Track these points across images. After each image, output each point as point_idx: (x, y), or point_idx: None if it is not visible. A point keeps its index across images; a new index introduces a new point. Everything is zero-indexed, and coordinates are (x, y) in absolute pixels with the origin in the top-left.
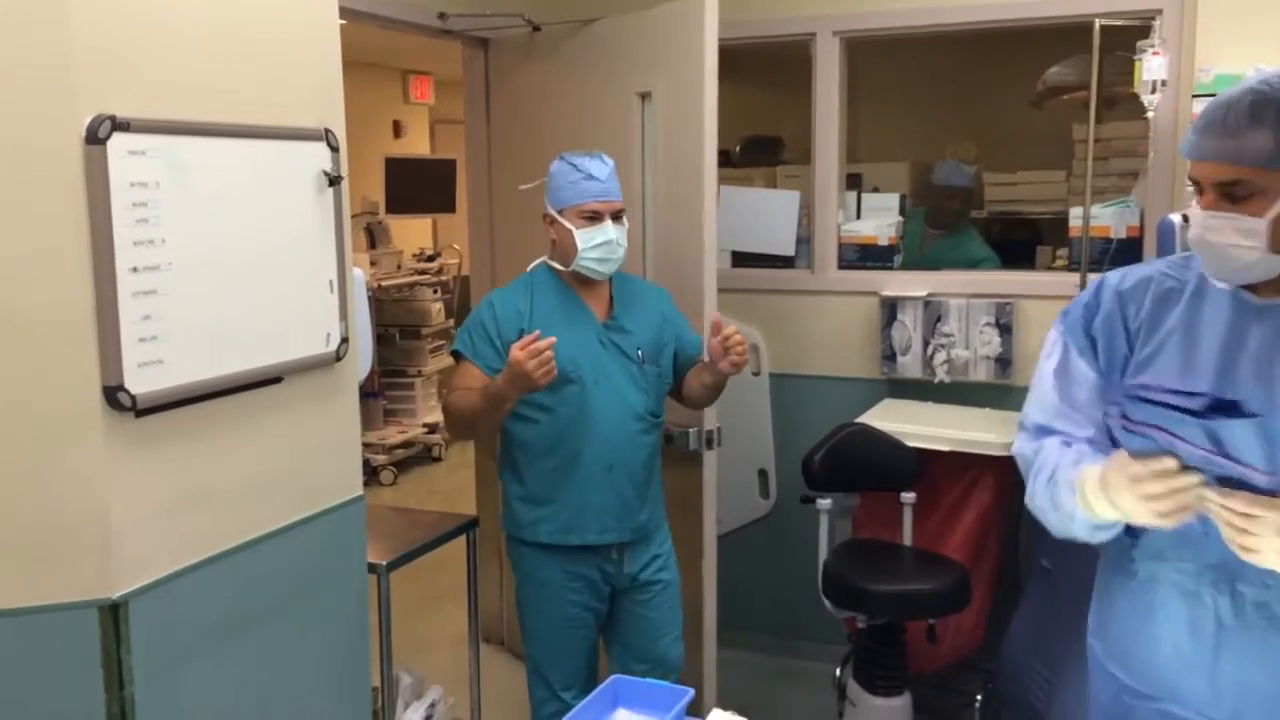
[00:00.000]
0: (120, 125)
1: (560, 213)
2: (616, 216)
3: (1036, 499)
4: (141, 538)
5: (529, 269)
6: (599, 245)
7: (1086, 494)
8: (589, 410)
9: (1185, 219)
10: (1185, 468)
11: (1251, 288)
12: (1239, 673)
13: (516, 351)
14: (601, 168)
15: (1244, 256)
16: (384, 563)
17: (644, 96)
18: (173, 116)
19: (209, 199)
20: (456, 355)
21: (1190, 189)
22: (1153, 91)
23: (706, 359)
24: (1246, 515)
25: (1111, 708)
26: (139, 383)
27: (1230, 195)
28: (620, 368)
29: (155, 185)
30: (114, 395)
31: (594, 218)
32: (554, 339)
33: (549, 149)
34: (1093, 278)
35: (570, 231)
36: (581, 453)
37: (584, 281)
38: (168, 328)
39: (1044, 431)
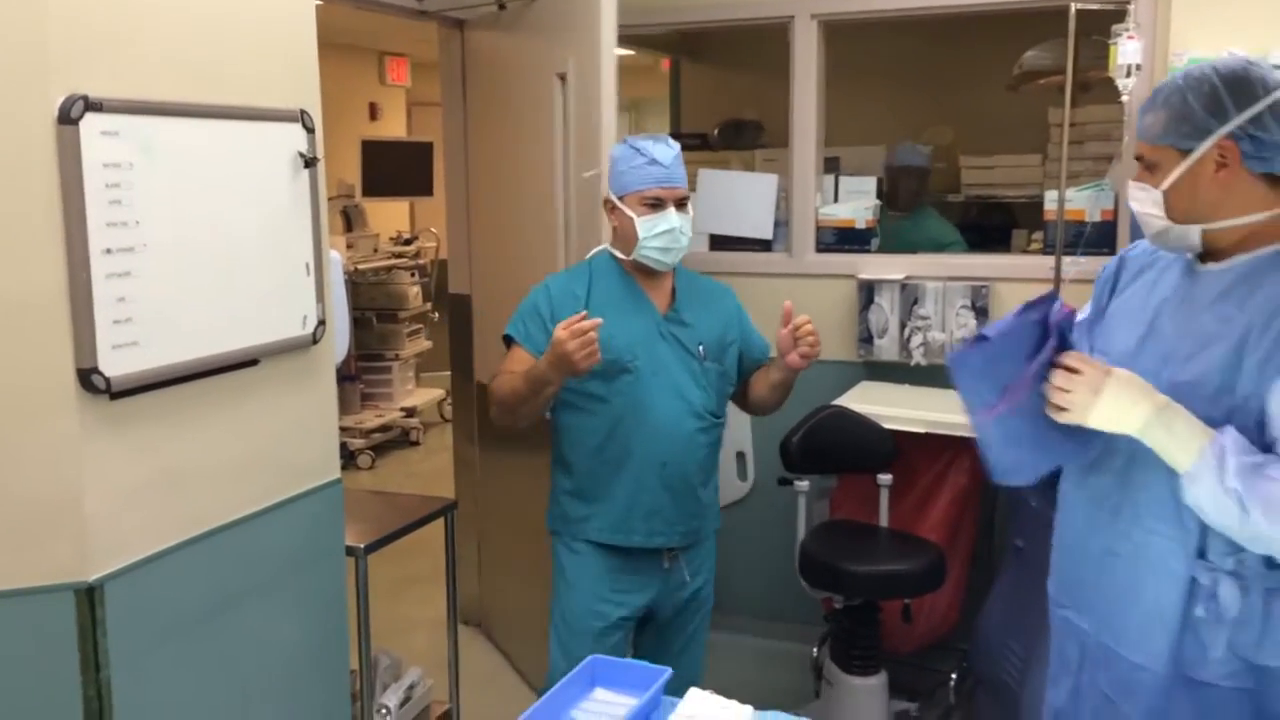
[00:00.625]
0: (93, 105)
1: (621, 198)
2: (680, 204)
3: None
4: (117, 521)
5: (590, 255)
6: (661, 234)
7: None
8: (644, 403)
9: None
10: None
11: (1204, 256)
12: (1117, 595)
13: (560, 330)
14: (666, 152)
15: (1153, 224)
16: (362, 545)
17: (561, 77)
18: (146, 97)
19: (183, 180)
20: (508, 340)
21: None
22: (1127, 75)
23: (774, 355)
24: (1070, 371)
25: (1051, 621)
26: (113, 365)
27: (1146, 168)
28: (680, 362)
29: (129, 166)
30: (88, 378)
31: (656, 204)
32: (599, 320)
33: (515, 133)
34: (1067, 261)
35: (631, 219)
36: (634, 448)
37: (646, 272)
38: (142, 310)
39: None
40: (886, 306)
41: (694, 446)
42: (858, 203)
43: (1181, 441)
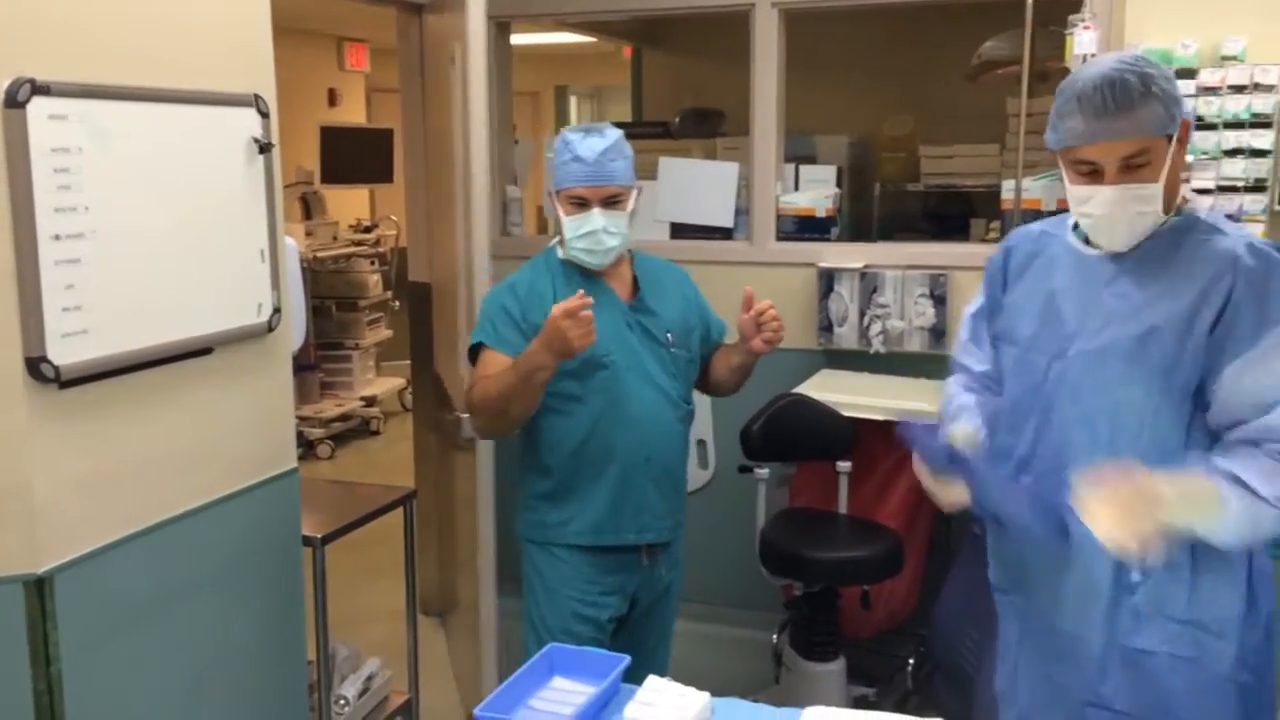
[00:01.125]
0: (40, 89)
1: (555, 195)
2: (610, 202)
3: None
4: (67, 511)
5: (544, 250)
6: (585, 235)
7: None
8: (623, 397)
9: None
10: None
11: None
12: (1051, 570)
13: (557, 309)
14: (593, 146)
15: (1145, 221)
16: (319, 535)
17: (451, 60)
18: (95, 80)
19: (134, 165)
20: (476, 349)
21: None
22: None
23: (734, 339)
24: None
25: (997, 607)
26: (62, 353)
27: (1130, 166)
28: (650, 351)
29: (78, 151)
30: (36, 366)
31: (580, 204)
32: (590, 299)
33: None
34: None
35: (560, 217)
36: (616, 444)
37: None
38: (92, 297)
39: (956, 366)
40: (846, 295)
41: (674, 437)
42: (818, 191)
43: (1206, 520)
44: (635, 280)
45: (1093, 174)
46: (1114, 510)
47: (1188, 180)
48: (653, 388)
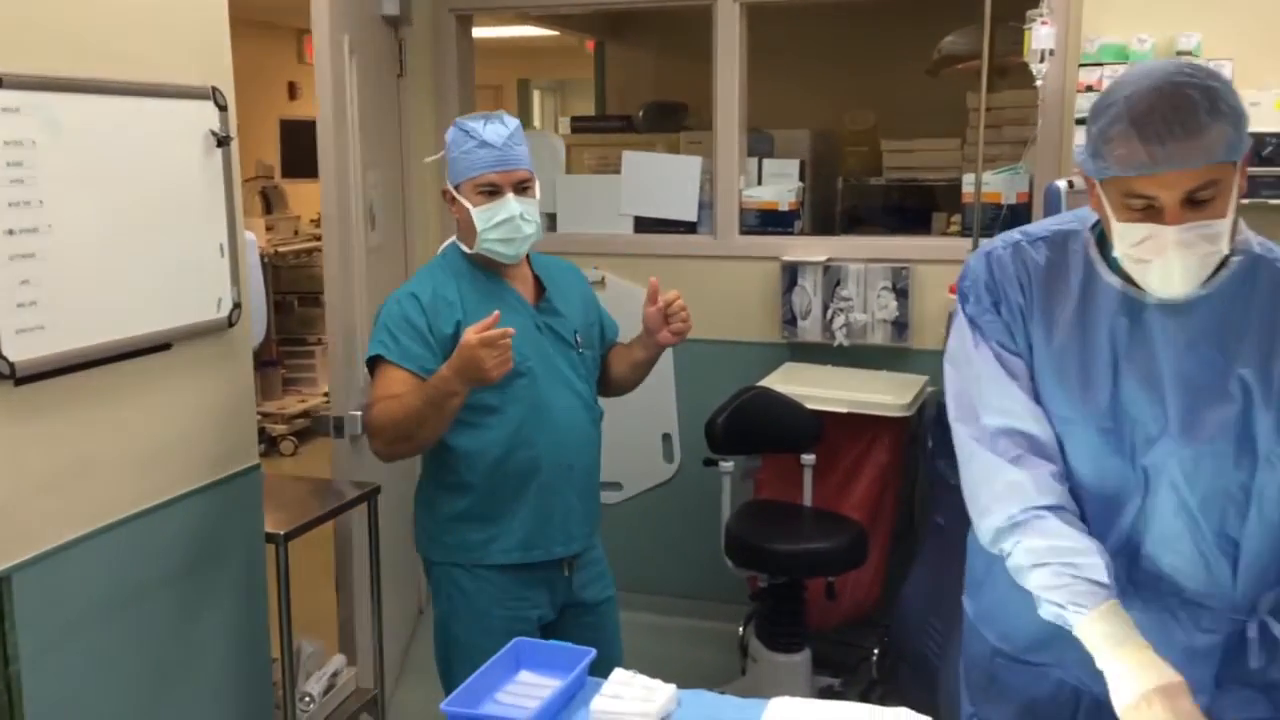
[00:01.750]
0: None
1: (458, 188)
2: (521, 188)
3: (1010, 557)
4: (24, 510)
5: (440, 251)
6: (500, 224)
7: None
8: (542, 405)
9: (1070, 185)
10: None
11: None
12: None
13: (472, 335)
14: (498, 131)
15: (1211, 263)
16: (282, 532)
17: (351, 53)
18: (49, 72)
19: (89, 159)
20: (375, 362)
21: (1115, 211)
22: (1041, 61)
23: (636, 335)
24: None
25: (986, 666)
26: (18, 350)
27: (1195, 200)
28: (562, 355)
29: (31, 144)
30: None
31: (492, 191)
32: (513, 329)
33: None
34: (984, 242)
35: (468, 209)
36: (540, 454)
37: (494, 263)
38: (48, 293)
39: (1008, 433)
40: (809, 288)
41: (592, 442)
42: (781, 185)
43: None
44: (537, 280)
45: (1148, 210)
46: None
47: None
48: (570, 393)
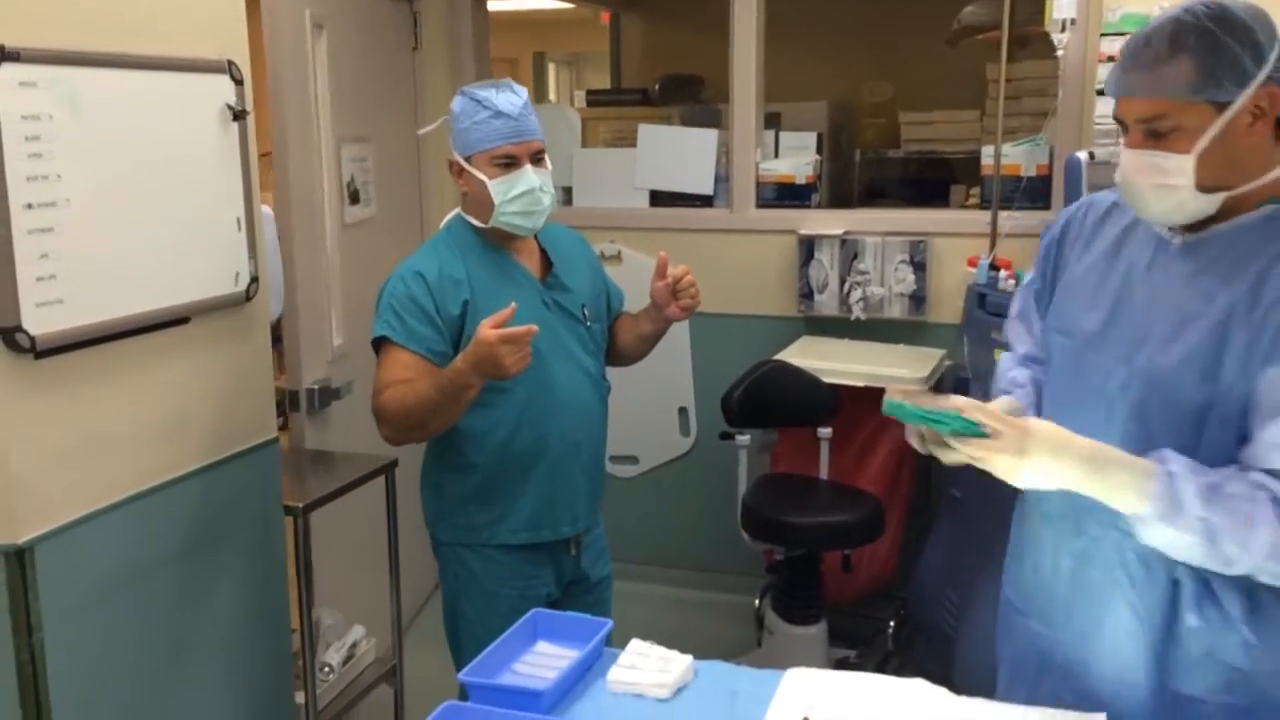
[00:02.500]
0: (9, 55)
1: (469, 159)
2: (537, 159)
3: None
4: (46, 482)
5: (444, 225)
6: (520, 196)
7: None
8: (549, 384)
9: (1091, 156)
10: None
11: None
12: (1090, 605)
13: (488, 331)
14: (513, 100)
15: (1170, 196)
16: (301, 505)
17: (318, 27)
18: (66, 46)
19: (106, 133)
20: (380, 343)
21: (1113, 128)
22: (1062, 30)
23: (645, 307)
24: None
25: (1003, 623)
26: (38, 323)
27: (1153, 132)
28: (569, 330)
29: (49, 118)
30: (11, 336)
31: (510, 163)
32: (535, 327)
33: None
34: (1003, 216)
35: (483, 182)
36: (548, 434)
37: (509, 236)
38: (67, 266)
39: (1007, 341)
40: (826, 262)
41: (600, 419)
42: (798, 158)
43: (1122, 488)
44: (544, 253)
45: (1123, 134)
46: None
47: None
48: (578, 370)
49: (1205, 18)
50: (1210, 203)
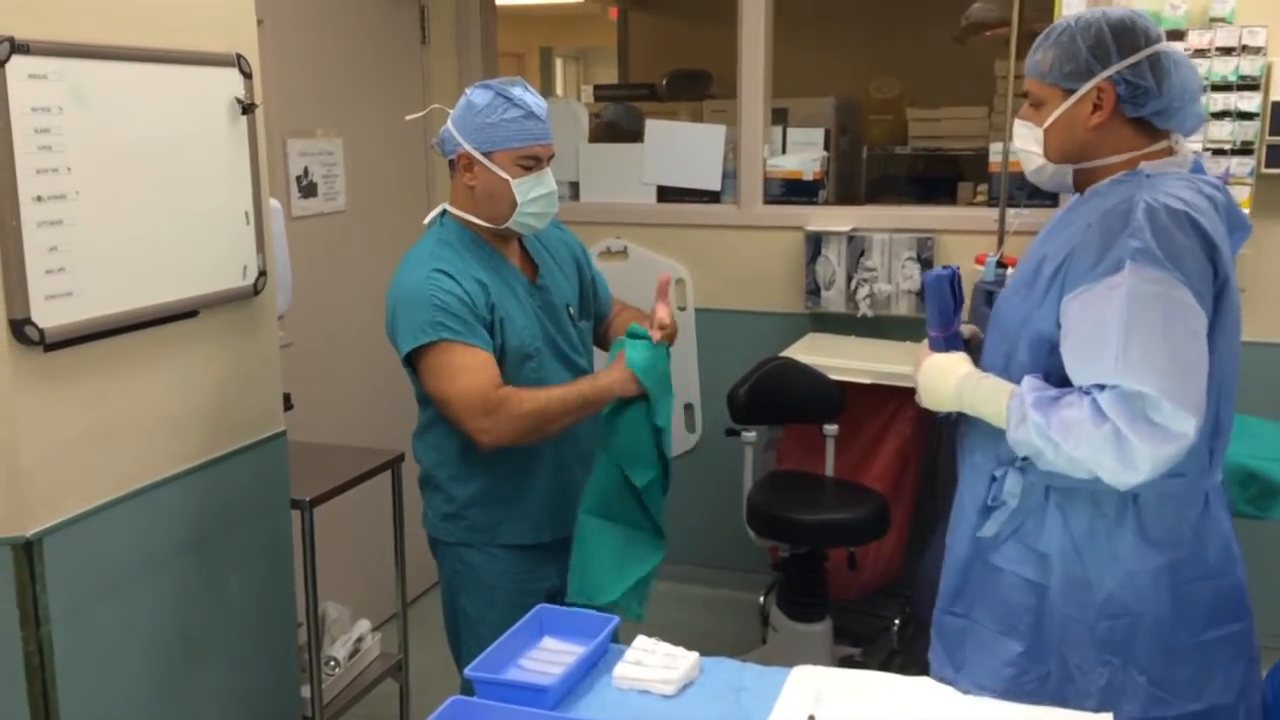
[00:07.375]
0: (20, 47)
1: (489, 155)
2: (549, 160)
3: None
4: (54, 475)
5: (436, 223)
6: (541, 197)
7: None
8: (550, 386)
9: None
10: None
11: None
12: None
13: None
14: (539, 103)
15: (1032, 160)
16: (308, 499)
17: (260, 22)
18: (75, 39)
19: (115, 125)
20: (431, 347)
21: None
22: None
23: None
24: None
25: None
26: (47, 316)
27: (1033, 106)
28: (560, 333)
29: (59, 111)
30: (21, 329)
31: (535, 164)
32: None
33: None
34: (1011, 213)
35: (505, 180)
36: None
37: (503, 236)
38: (76, 259)
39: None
40: (833, 258)
41: (596, 419)
42: (805, 154)
43: (989, 402)
44: (526, 253)
45: None
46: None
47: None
48: (573, 370)
49: (1075, 22)
50: (1063, 172)
